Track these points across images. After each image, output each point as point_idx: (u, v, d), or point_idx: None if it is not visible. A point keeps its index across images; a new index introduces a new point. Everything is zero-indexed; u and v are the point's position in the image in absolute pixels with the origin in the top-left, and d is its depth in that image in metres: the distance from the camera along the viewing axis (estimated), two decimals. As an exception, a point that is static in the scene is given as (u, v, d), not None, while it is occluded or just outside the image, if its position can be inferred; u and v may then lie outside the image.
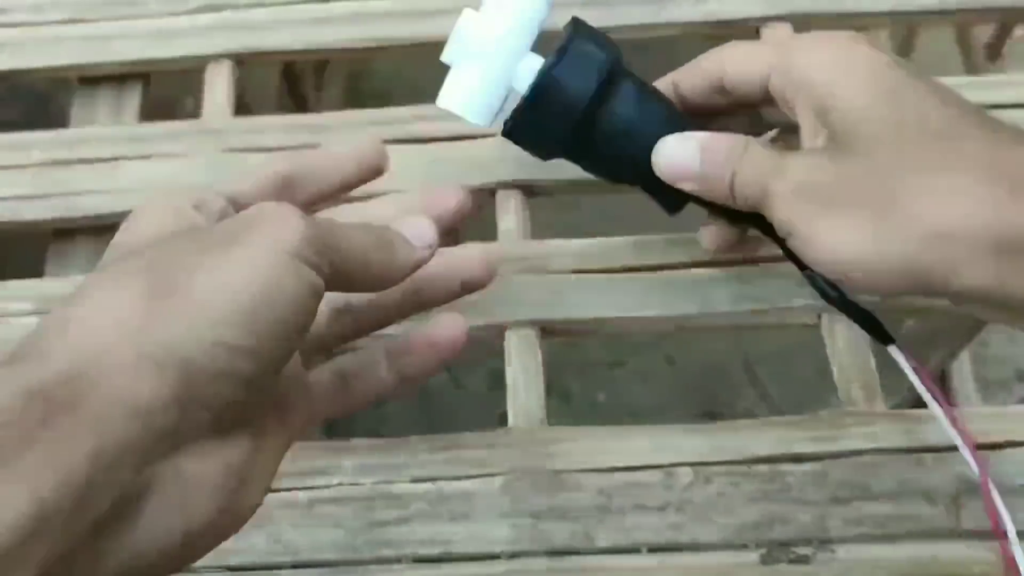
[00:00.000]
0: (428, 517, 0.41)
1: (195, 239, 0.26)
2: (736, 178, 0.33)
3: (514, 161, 0.49)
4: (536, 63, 0.37)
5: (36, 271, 0.49)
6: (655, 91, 0.38)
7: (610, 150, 0.37)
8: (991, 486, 0.36)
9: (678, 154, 0.35)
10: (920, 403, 0.38)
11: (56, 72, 0.54)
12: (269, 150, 0.50)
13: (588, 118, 0.36)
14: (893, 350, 0.37)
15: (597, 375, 1.03)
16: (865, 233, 0.29)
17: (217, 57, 0.54)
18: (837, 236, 0.30)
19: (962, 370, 0.84)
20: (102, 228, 0.50)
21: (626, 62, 0.37)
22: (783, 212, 0.32)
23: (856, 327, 0.43)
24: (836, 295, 0.37)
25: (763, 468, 0.41)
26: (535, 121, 0.37)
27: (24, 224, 0.50)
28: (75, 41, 0.54)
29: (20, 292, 0.47)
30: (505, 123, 0.38)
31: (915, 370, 0.36)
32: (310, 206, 0.34)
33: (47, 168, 0.50)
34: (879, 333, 0.38)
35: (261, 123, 0.52)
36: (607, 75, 0.36)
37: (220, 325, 0.24)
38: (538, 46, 0.38)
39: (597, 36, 0.37)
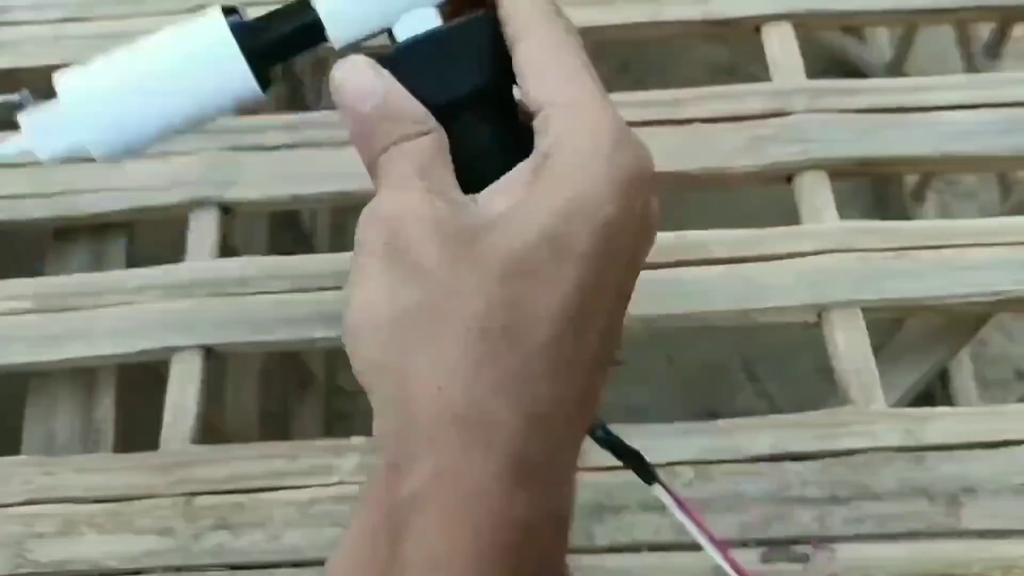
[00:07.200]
0: (428, 516, 0.41)
1: None
2: None
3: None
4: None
5: (36, 270, 0.49)
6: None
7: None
8: None
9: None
10: (921, 402, 0.38)
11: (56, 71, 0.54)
12: (269, 150, 0.50)
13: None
14: (657, 488, 0.37)
15: (597, 374, 1.03)
16: None
17: (217, 56, 0.54)
18: None
19: (962, 370, 0.84)
20: (102, 227, 0.50)
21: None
22: None
23: (856, 327, 0.44)
24: (602, 434, 0.36)
25: (763, 467, 0.41)
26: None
27: (24, 223, 0.50)
28: (75, 40, 0.54)
29: (20, 291, 0.47)
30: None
31: (681, 507, 0.36)
32: None
33: (47, 168, 0.50)
34: (643, 471, 0.37)
35: (261, 123, 0.52)
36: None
37: None
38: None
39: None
